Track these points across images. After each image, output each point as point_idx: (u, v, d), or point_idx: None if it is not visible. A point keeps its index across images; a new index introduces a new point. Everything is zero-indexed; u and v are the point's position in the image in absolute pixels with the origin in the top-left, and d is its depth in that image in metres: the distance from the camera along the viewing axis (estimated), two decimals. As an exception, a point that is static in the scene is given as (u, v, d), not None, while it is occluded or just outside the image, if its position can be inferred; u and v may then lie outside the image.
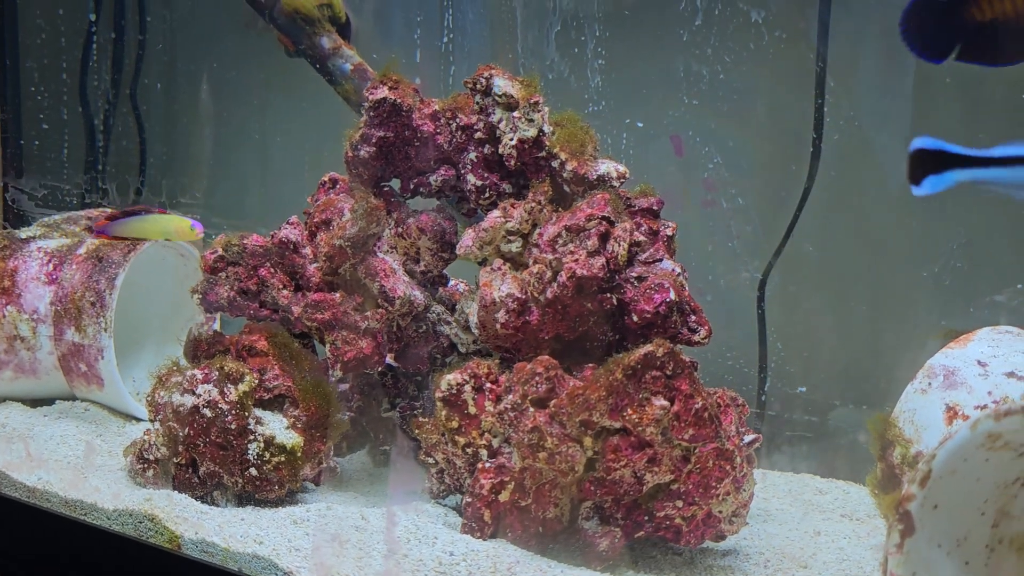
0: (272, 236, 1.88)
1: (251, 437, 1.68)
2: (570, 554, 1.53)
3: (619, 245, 1.61)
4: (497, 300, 1.64)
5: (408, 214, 1.90)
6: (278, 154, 2.96)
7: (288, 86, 2.82)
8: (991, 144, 1.22)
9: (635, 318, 1.61)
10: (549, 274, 1.61)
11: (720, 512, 1.53)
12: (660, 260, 1.67)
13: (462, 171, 1.84)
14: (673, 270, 1.65)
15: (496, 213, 1.73)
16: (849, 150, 2.14)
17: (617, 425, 1.47)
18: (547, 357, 1.57)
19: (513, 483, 1.53)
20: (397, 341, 1.86)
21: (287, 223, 1.88)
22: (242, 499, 1.71)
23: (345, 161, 1.89)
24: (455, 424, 1.62)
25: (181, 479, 1.72)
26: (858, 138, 2.15)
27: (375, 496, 1.84)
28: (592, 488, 1.51)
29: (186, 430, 1.69)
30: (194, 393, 1.69)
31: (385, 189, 1.93)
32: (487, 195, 1.80)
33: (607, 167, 1.70)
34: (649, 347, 1.48)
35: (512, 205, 1.73)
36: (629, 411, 1.46)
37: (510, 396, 1.56)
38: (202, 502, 1.67)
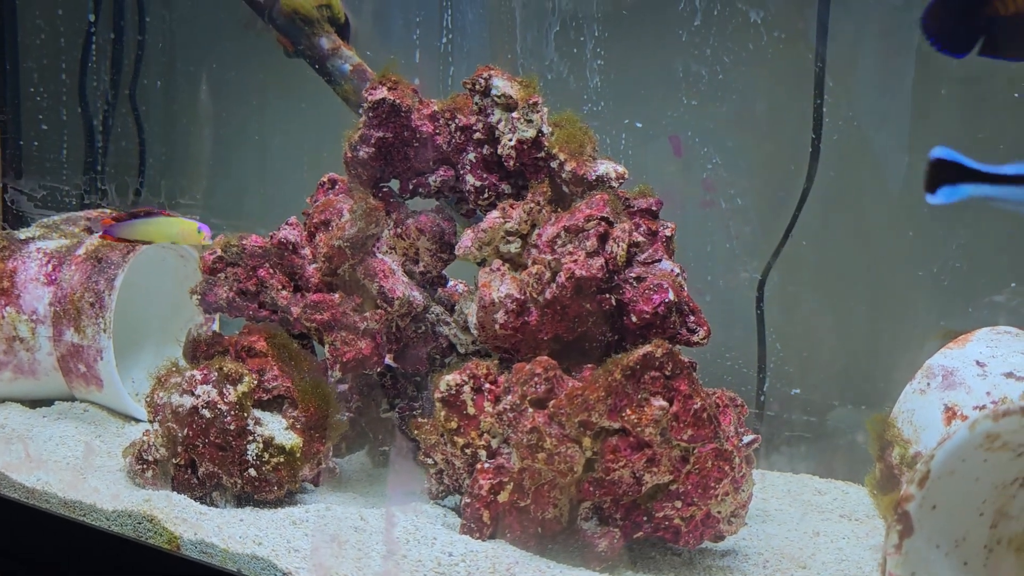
0: (271, 237, 1.88)
1: (250, 438, 1.68)
2: (569, 555, 1.53)
3: (618, 246, 1.61)
4: (496, 301, 1.64)
5: (407, 215, 1.90)
6: (277, 155, 2.96)
7: (287, 87, 2.82)
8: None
9: (634, 319, 1.61)
10: (548, 275, 1.62)
11: (719, 512, 1.53)
12: (659, 261, 1.67)
13: (461, 172, 1.84)
14: (672, 270, 1.65)
15: (495, 214, 1.73)
16: (848, 150, 2.14)
17: (616, 426, 1.47)
18: (546, 358, 1.57)
19: (512, 484, 1.53)
20: (396, 342, 1.86)
21: (286, 224, 1.89)
22: (241, 500, 1.71)
23: (344, 162, 1.89)
24: (454, 425, 1.62)
25: (180, 480, 1.72)
26: (857, 138, 2.15)
27: (374, 497, 1.84)
28: (591, 488, 1.51)
29: (185, 431, 1.69)
30: (193, 394, 1.69)
31: (384, 190, 1.93)
32: (486, 196, 1.80)
33: (606, 168, 1.70)
34: (648, 348, 1.48)
35: (511, 206, 1.73)
36: (628, 412, 1.46)
37: (509, 397, 1.56)
38: (201, 503, 1.66)
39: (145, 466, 1.74)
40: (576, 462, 1.48)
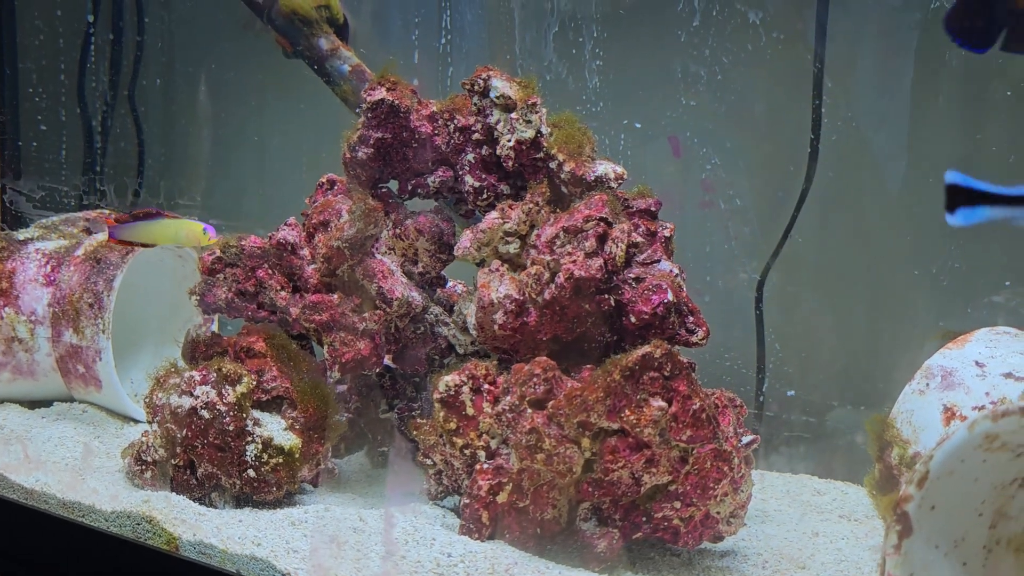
0: (270, 237, 1.88)
1: (249, 439, 1.68)
2: (568, 555, 1.53)
3: (617, 246, 1.61)
4: (495, 301, 1.64)
5: (406, 215, 1.90)
6: (276, 155, 2.96)
7: (286, 87, 2.82)
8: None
9: (633, 319, 1.61)
10: (547, 275, 1.61)
11: (718, 513, 1.53)
12: (658, 261, 1.66)
13: (460, 172, 1.84)
14: (671, 271, 1.65)
15: (494, 214, 1.73)
16: (847, 151, 2.14)
17: (615, 426, 1.47)
18: (545, 358, 1.57)
19: (511, 484, 1.53)
20: (395, 342, 1.86)
21: (285, 224, 1.88)
22: (240, 501, 1.71)
23: (343, 162, 1.89)
24: (453, 425, 1.62)
25: (179, 481, 1.72)
26: (856, 139, 2.15)
27: (373, 497, 1.84)
28: (590, 489, 1.51)
29: (184, 432, 1.69)
30: (192, 395, 1.69)
31: (383, 190, 1.93)
32: (485, 196, 1.80)
33: (605, 168, 1.70)
34: (647, 348, 1.48)
35: (510, 206, 1.73)
36: (627, 412, 1.46)
37: (508, 397, 1.56)
38: (200, 504, 1.66)
39: (144, 467, 1.74)
40: (575, 463, 1.48)
